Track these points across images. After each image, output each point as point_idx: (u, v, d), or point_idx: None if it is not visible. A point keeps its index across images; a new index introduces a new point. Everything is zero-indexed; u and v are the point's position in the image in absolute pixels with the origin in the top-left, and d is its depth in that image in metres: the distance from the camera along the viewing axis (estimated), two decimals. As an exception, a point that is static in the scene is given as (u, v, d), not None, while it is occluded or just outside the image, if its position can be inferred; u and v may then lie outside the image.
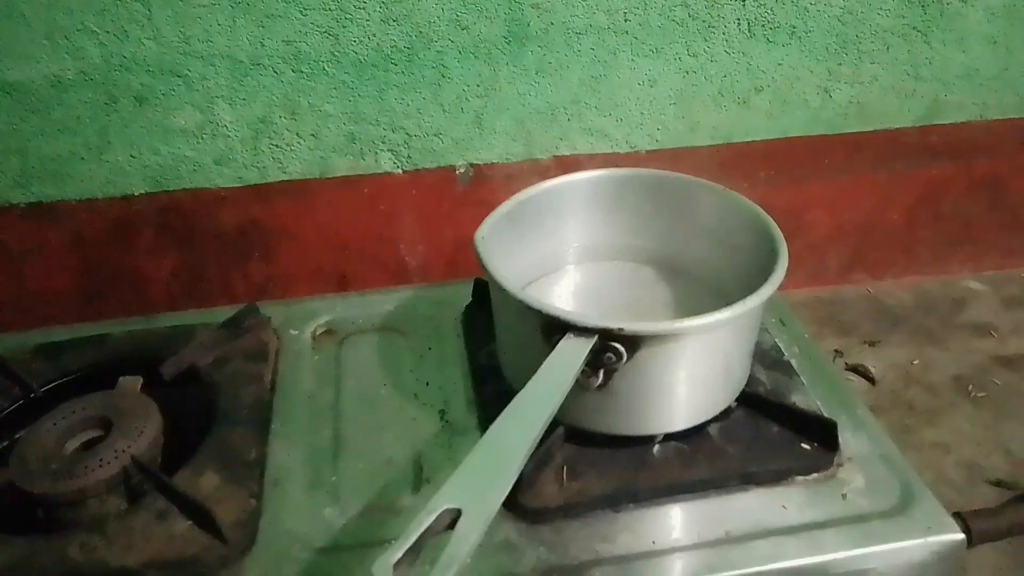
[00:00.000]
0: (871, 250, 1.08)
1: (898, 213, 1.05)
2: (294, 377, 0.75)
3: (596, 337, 0.55)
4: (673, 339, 0.56)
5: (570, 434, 0.63)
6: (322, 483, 0.64)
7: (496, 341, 0.70)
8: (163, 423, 0.66)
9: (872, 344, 0.98)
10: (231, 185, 0.89)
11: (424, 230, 0.95)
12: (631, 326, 0.54)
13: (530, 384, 0.52)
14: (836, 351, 0.98)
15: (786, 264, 0.61)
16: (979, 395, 0.91)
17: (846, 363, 0.96)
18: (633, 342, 0.56)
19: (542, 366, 0.54)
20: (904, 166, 1.01)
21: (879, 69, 0.93)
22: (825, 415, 0.67)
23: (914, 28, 0.90)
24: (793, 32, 0.88)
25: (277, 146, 0.87)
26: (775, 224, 0.65)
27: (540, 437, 0.51)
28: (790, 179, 0.99)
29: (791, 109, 0.94)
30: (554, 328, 0.56)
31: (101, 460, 0.62)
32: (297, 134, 0.87)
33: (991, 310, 1.04)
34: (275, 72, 0.82)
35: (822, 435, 0.64)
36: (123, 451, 0.62)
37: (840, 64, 0.91)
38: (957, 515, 0.61)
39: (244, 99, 0.83)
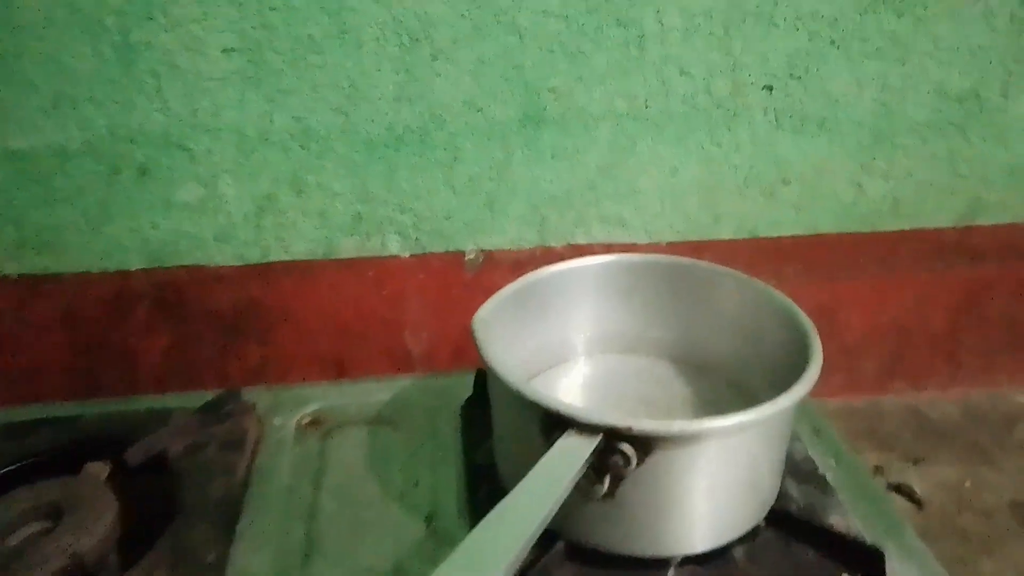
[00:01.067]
0: (911, 356, 1.00)
1: (939, 317, 0.97)
2: (272, 470, 0.69)
3: (601, 436, 0.48)
4: (691, 442, 0.49)
5: (571, 551, 0.55)
6: (288, 594, 0.56)
7: (492, 443, 0.63)
8: (121, 515, 0.60)
9: (916, 462, 0.89)
10: (231, 263, 0.85)
11: (430, 316, 0.90)
12: (642, 424, 0.47)
13: (519, 487, 0.45)
14: (876, 467, 0.88)
15: (820, 361, 0.54)
16: (1042, 524, 0.80)
17: (887, 482, 0.86)
18: (644, 444, 0.49)
19: (536, 466, 0.47)
20: (945, 266, 0.94)
21: (915, 164, 0.88)
22: (869, 541, 0.58)
23: (951, 123, 0.86)
24: (823, 124, 0.85)
25: (281, 224, 0.84)
26: (807, 317, 0.58)
27: (526, 551, 0.43)
28: (821, 276, 0.93)
29: (821, 202, 0.89)
30: (554, 424, 0.50)
31: (43, 556, 0.55)
32: (302, 212, 0.83)
33: (1048, 428, 0.94)
34: (283, 148, 0.80)
35: (867, 565, 0.55)
36: (68, 547, 0.55)
37: (873, 158, 0.87)
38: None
39: (249, 174, 0.81)
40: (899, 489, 0.85)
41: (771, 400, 0.49)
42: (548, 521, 0.44)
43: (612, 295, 0.69)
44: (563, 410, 0.48)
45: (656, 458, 0.49)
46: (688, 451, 0.49)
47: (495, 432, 0.62)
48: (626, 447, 0.48)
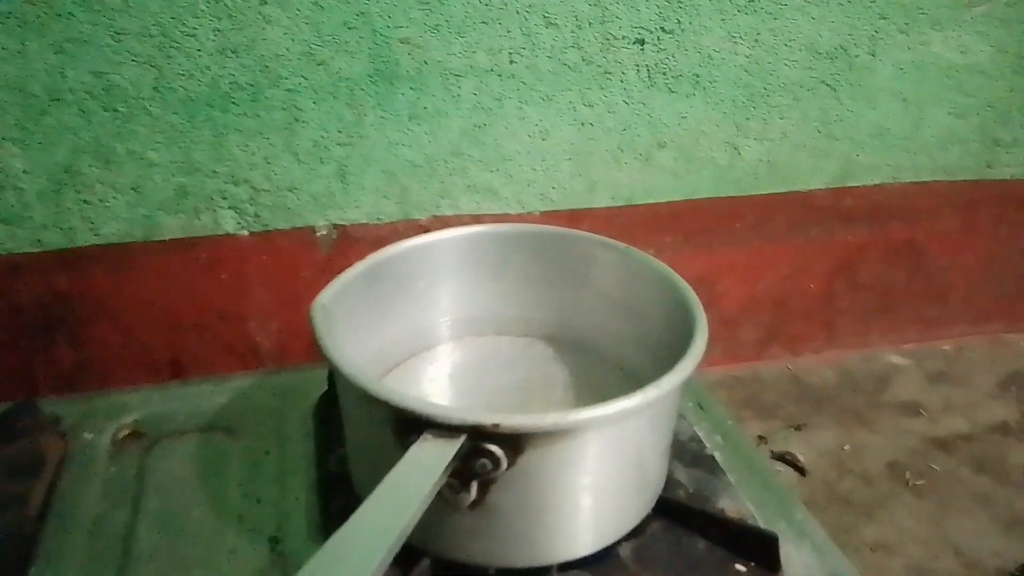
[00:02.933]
0: (788, 323, 0.98)
1: (815, 282, 0.96)
2: (77, 497, 0.56)
3: (464, 437, 0.40)
4: (569, 436, 0.42)
5: (438, 567, 0.48)
6: (90, 655, 0.45)
7: (345, 438, 0.54)
8: None
9: (798, 428, 0.87)
10: (27, 250, 0.71)
11: (278, 304, 0.79)
12: (510, 421, 0.40)
13: (368, 502, 0.37)
14: (760, 437, 0.86)
15: (706, 335, 0.48)
16: (918, 483, 0.80)
17: (772, 451, 0.84)
18: (515, 443, 0.41)
19: (388, 475, 0.38)
20: (820, 230, 0.93)
21: (789, 125, 0.85)
22: (762, 525, 0.54)
23: (823, 81, 0.83)
24: (697, 82, 0.80)
25: (87, 202, 0.70)
26: (690, 288, 0.53)
27: (382, 572, 0.34)
28: (699, 245, 0.89)
29: (697, 167, 0.85)
30: (409, 425, 0.41)
31: None
32: (113, 187, 0.70)
33: (918, 387, 0.96)
34: (81, 110, 0.66)
35: (761, 552, 0.50)
36: None
37: (748, 119, 0.84)
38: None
39: (41, 143, 0.67)
40: (783, 458, 0.83)
41: (655, 381, 0.43)
42: (405, 537, 0.36)
43: (480, 271, 0.61)
44: (417, 408, 0.40)
45: (529, 457, 0.42)
46: (565, 446, 0.43)
47: (346, 436, 0.53)
48: (493, 448, 0.41)
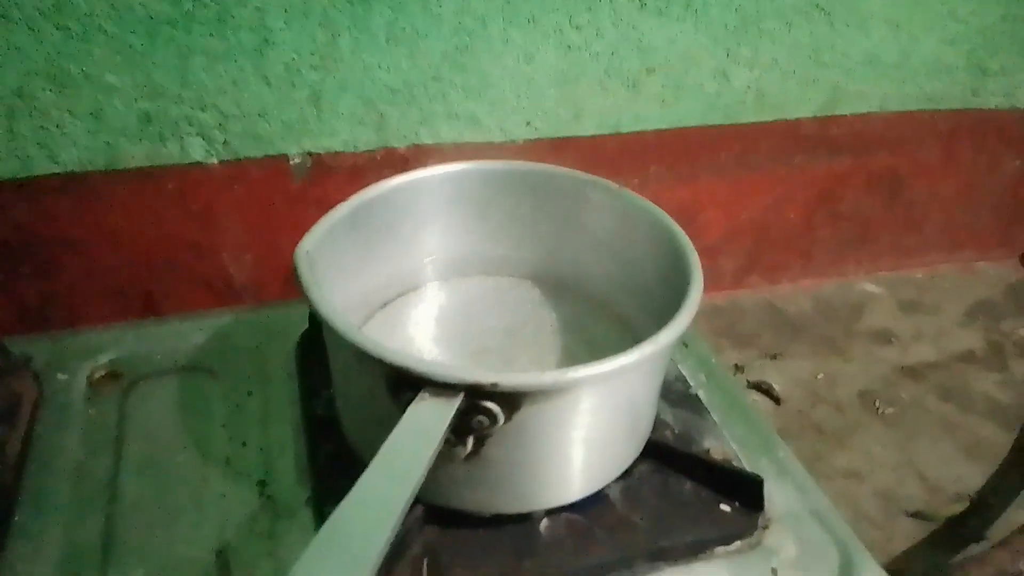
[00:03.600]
0: (767, 252, 0.99)
1: (795, 212, 0.96)
2: (55, 442, 0.55)
3: (462, 396, 0.40)
4: (565, 392, 0.42)
5: (431, 513, 0.48)
6: (81, 604, 0.45)
7: (333, 387, 0.53)
8: None
9: (773, 357, 0.89)
10: (-20, 180, 0.66)
11: (252, 236, 0.76)
12: (509, 380, 0.39)
13: (371, 470, 0.36)
14: (736, 366, 0.87)
15: (701, 287, 0.48)
16: (887, 411, 0.83)
17: (748, 380, 0.86)
18: (512, 400, 0.41)
19: (388, 439, 0.38)
20: (803, 160, 0.92)
21: (779, 52, 0.82)
22: (746, 466, 0.55)
23: (817, 6, 0.80)
24: (688, 4, 0.76)
25: (43, 128, 0.66)
26: (684, 235, 0.52)
27: (393, 535, 0.34)
28: (683, 175, 0.88)
29: (686, 95, 0.82)
30: (404, 383, 0.40)
31: None
32: (69, 112, 0.65)
33: (890, 315, 0.97)
34: (30, 29, 0.61)
35: (745, 493, 0.52)
36: None
37: (739, 44, 0.80)
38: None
39: (-13, 64, 0.62)
40: (759, 387, 0.85)
41: (653, 336, 0.42)
42: (410, 503, 0.36)
43: (467, 210, 0.59)
44: (414, 367, 0.39)
45: (525, 413, 0.41)
46: (561, 402, 0.42)
47: (335, 384, 0.52)
48: (491, 405, 0.40)
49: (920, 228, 1.04)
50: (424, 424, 0.38)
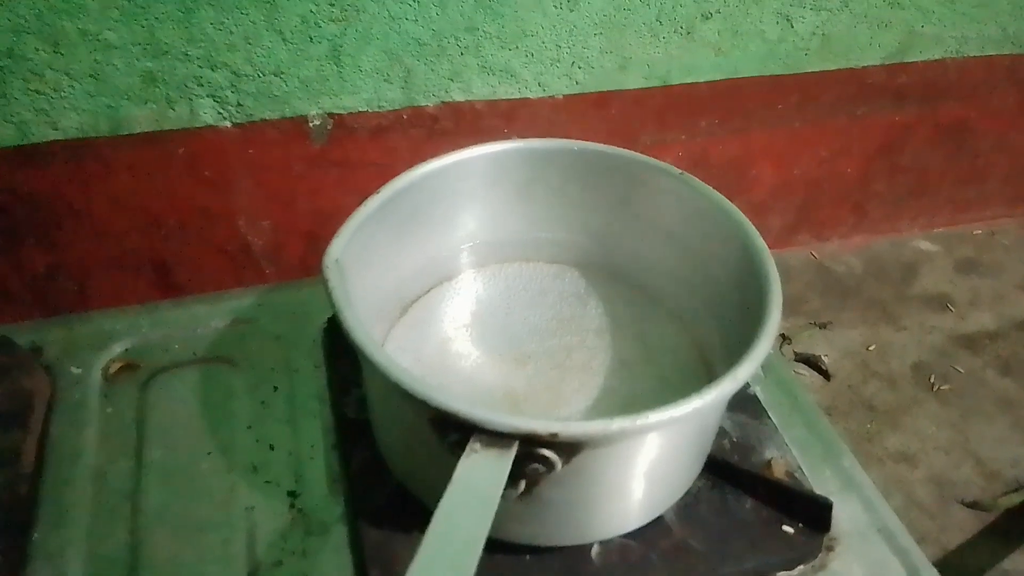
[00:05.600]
0: (818, 208, 0.92)
1: (852, 165, 0.89)
2: (73, 447, 0.52)
3: (516, 444, 0.35)
4: (630, 436, 0.37)
5: (477, 540, 0.45)
6: (109, 631, 0.43)
7: (367, 401, 0.49)
8: None
9: (822, 326, 0.84)
10: (-25, 146, 0.61)
11: (269, 199, 0.71)
12: (569, 429, 0.35)
13: (430, 540, 0.32)
14: (784, 336, 0.83)
15: (780, 302, 0.42)
16: (942, 388, 0.78)
17: (796, 352, 0.81)
18: (571, 447, 0.36)
19: (442, 506, 0.33)
20: (865, 111, 0.84)
21: (851, -9, 0.74)
22: (809, 478, 0.51)
23: (898, -61, 0.71)
24: (753, -61, 0.67)
25: (38, 91, 0.60)
26: (757, 233, 0.46)
27: None
28: (736, 128, 0.80)
29: (744, 42, 0.74)
30: (451, 425, 0.36)
31: None
32: (67, 74, 0.59)
33: (946, 277, 0.92)
34: (16, -20, 0.54)
35: (811, 516, 0.48)
36: None
37: (806, -16, 0.72)
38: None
39: (-29, 21, 0.55)
40: (808, 361, 0.81)
41: (730, 372, 0.37)
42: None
43: (506, 191, 0.53)
44: (465, 414, 0.35)
45: (585, 457, 0.37)
46: (625, 444, 0.38)
47: (370, 403, 0.48)
48: (548, 452, 0.36)
49: (983, 179, 0.97)
50: (479, 484, 0.34)
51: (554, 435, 0.35)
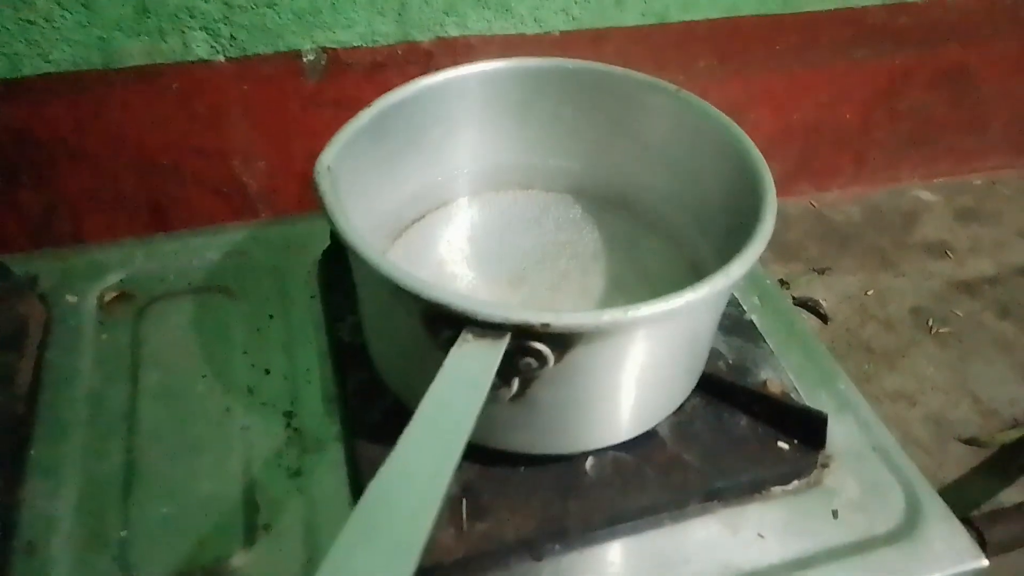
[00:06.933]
0: (818, 156, 0.92)
1: (852, 111, 0.88)
2: (68, 369, 0.52)
3: (508, 336, 0.35)
4: (623, 331, 0.37)
5: (470, 451, 0.44)
6: (105, 541, 0.43)
7: (360, 316, 0.49)
8: None
9: (821, 272, 0.84)
10: (-34, 79, 0.61)
11: (264, 139, 0.70)
12: (561, 320, 0.35)
13: (415, 424, 0.32)
14: (782, 281, 0.83)
15: (775, 209, 0.42)
16: (941, 330, 0.78)
17: (794, 297, 0.81)
18: (564, 340, 0.36)
19: (431, 391, 0.33)
20: (865, 54, 0.83)
21: (852, -75, 0.73)
22: (804, 400, 0.51)
23: None
24: None
25: (30, 21, 0.59)
26: (755, 147, 0.45)
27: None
28: (734, 70, 0.80)
29: (743, -23, 0.73)
30: (443, 320, 0.36)
31: None
32: (58, 3, 0.59)
33: (945, 225, 0.91)
34: (3, -98, 0.54)
35: (806, 430, 0.48)
36: None
37: (807, -83, 0.71)
38: (967, 522, 0.48)
39: (-40, -55, 0.55)
40: (806, 305, 0.81)
41: (723, 269, 0.37)
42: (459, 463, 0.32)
43: (502, 114, 0.53)
44: (456, 305, 0.34)
45: (577, 353, 0.37)
46: (617, 340, 0.38)
47: (363, 314, 0.47)
48: (540, 346, 0.36)
49: (984, 128, 0.96)
50: (469, 371, 0.34)
51: (546, 325, 0.34)
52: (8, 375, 0.50)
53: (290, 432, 0.49)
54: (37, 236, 0.69)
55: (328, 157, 0.42)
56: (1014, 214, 0.93)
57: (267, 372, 0.53)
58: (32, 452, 0.47)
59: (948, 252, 0.88)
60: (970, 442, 0.69)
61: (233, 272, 0.60)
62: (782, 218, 0.90)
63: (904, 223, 0.91)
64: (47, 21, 0.59)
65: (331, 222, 0.39)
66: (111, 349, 0.53)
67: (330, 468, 0.47)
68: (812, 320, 0.79)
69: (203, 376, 0.52)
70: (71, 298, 0.57)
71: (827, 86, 0.85)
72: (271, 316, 0.56)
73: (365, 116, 0.46)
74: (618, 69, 0.51)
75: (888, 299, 0.81)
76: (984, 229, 0.91)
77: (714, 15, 0.75)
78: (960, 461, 0.67)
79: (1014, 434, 0.68)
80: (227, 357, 0.53)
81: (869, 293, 0.82)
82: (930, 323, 0.79)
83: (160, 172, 0.69)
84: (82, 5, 0.59)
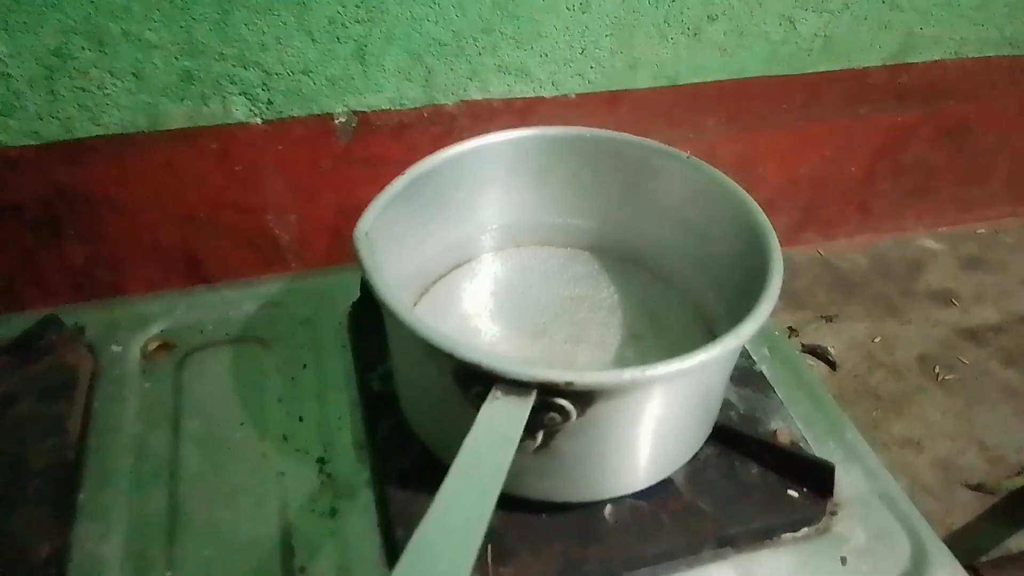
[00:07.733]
0: (824, 206, 0.95)
1: (856, 164, 0.91)
2: (114, 417, 0.55)
3: (534, 393, 0.38)
4: (641, 387, 0.40)
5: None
6: (150, 584, 0.46)
7: (391, 367, 0.52)
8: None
9: (829, 320, 0.86)
10: (23, 143, 0.65)
11: (296, 196, 0.74)
12: (584, 379, 0.37)
13: (452, 478, 0.35)
14: (791, 328, 0.85)
15: (781, 271, 0.45)
16: (947, 377, 0.80)
17: (803, 344, 0.83)
18: (586, 397, 0.39)
19: (465, 446, 0.36)
20: (868, 111, 0.87)
21: (852, -6, 0.77)
22: (813, 448, 0.53)
23: (896, -57, 0.74)
24: (757, -55, 0.71)
25: (83, 89, 0.63)
26: (761, 212, 0.49)
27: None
28: (743, 128, 0.83)
29: (749, 43, 0.77)
30: (473, 377, 0.39)
31: None
32: (110, 72, 0.63)
33: (950, 273, 0.94)
34: (66, -16, 0.58)
35: (815, 479, 0.50)
36: None
37: (808, -13, 0.75)
38: (972, 569, 0.50)
39: (25, 23, 0.59)
40: (815, 352, 0.83)
41: (733, 330, 0.40)
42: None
43: (523, 177, 0.56)
44: (487, 364, 0.38)
45: (598, 408, 0.40)
46: (636, 397, 0.41)
47: (394, 366, 0.51)
48: (564, 402, 0.39)
49: (986, 179, 0.99)
50: (499, 426, 0.37)
51: (569, 383, 0.37)
52: (60, 423, 0.53)
53: (323, 478, 0.52)
54: (80, 287, 0.73)
55: (366, 224, 0.46)
56: (1017, 262, 0.96)
57: (301, 420, 0.56)
58: (81, 496, 0.50)
59: (953, 300, 0.90)
60: (977, 488, 0.70)
61: (268, 323, 0.63)
62: (790, 266, 0.93)
63: (910, 271, 0.93)
64: (99, 88, 0.64)
65: (370, 285, 0.42)
66: (154, 397, 0.57)
67: (361, 513, 0.50)
68: (821, 367, 0.81)
69: (241, 424, 0.55)
70: (116, 348, 0.60)
71: (831, 141, 0.88)
72: (304, 365, 0.60)
73: (399, 183, 0.50)
74: (633, 137, 0.55)
75: (895, 346, 0.84)
76: (988, 277, 0.93)
77: (723, 77, 0.79)
78: (967, 506, 0.69)
79: (1020, 481, 0.70)
80: (263, 405, 0.57)
81: (876, 340, 0.84)
82: (936, 370, 0.81)
83: (197, 226, 0.73)
84: (132, 74, 0.64)
